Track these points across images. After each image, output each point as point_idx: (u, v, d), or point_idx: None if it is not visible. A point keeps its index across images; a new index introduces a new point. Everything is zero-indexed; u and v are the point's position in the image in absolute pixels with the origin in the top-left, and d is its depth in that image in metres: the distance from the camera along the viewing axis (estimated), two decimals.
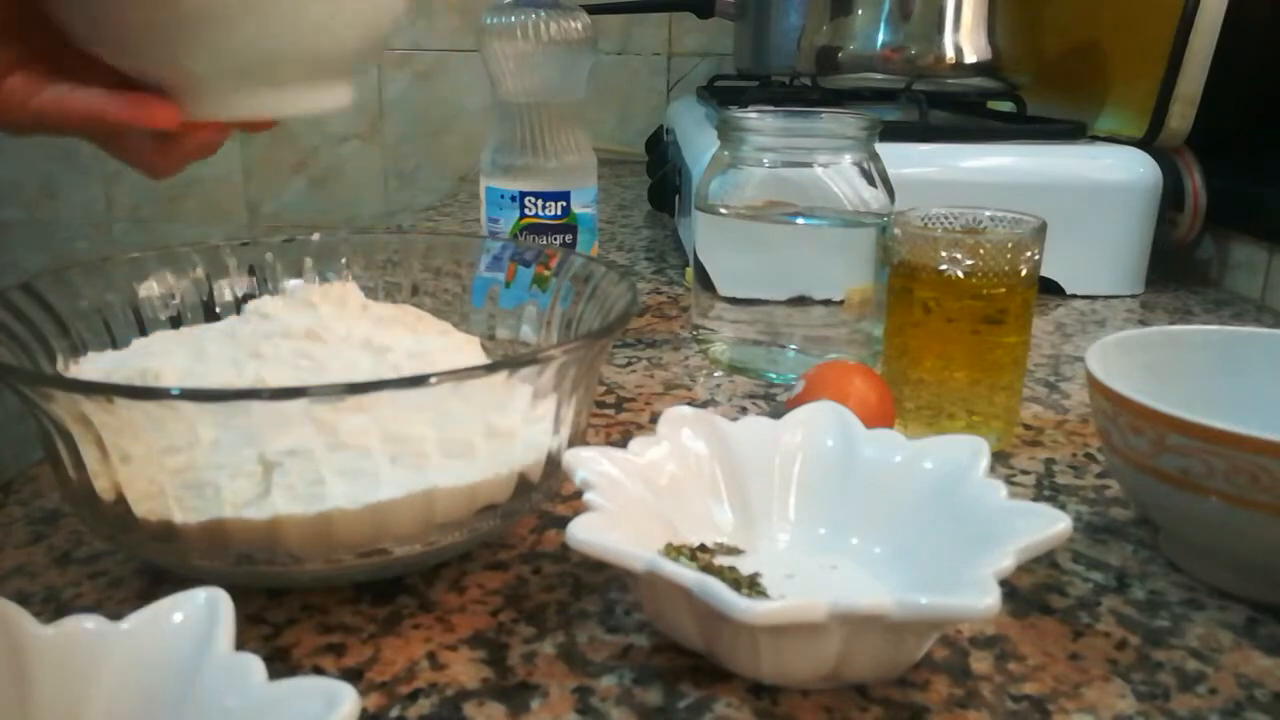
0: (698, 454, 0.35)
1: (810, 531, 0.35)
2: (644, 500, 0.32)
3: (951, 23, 0.76)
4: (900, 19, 0.77)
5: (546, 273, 0.43)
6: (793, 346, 0.53)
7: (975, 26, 0.76)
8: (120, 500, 0.30)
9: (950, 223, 0.46)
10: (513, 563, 0.35)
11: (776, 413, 0.49)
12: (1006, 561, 0.27)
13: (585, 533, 0.27)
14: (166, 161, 0.35)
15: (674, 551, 0.31)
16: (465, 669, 0.29)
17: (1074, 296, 0.71)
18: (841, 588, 0.32)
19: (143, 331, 0.40)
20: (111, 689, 0.23)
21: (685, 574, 0.26)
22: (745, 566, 0.32)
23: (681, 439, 0.35)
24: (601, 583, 0.34)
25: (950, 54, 0.76)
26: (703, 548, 0.33)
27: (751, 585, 0.31)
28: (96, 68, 0.32)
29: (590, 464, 0.32)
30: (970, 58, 0.76)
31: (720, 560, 0.32)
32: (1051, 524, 0.28)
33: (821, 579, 0.33)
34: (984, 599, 0.25)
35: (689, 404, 0.49)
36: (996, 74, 0.77)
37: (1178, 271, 0.77)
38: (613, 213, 1.00)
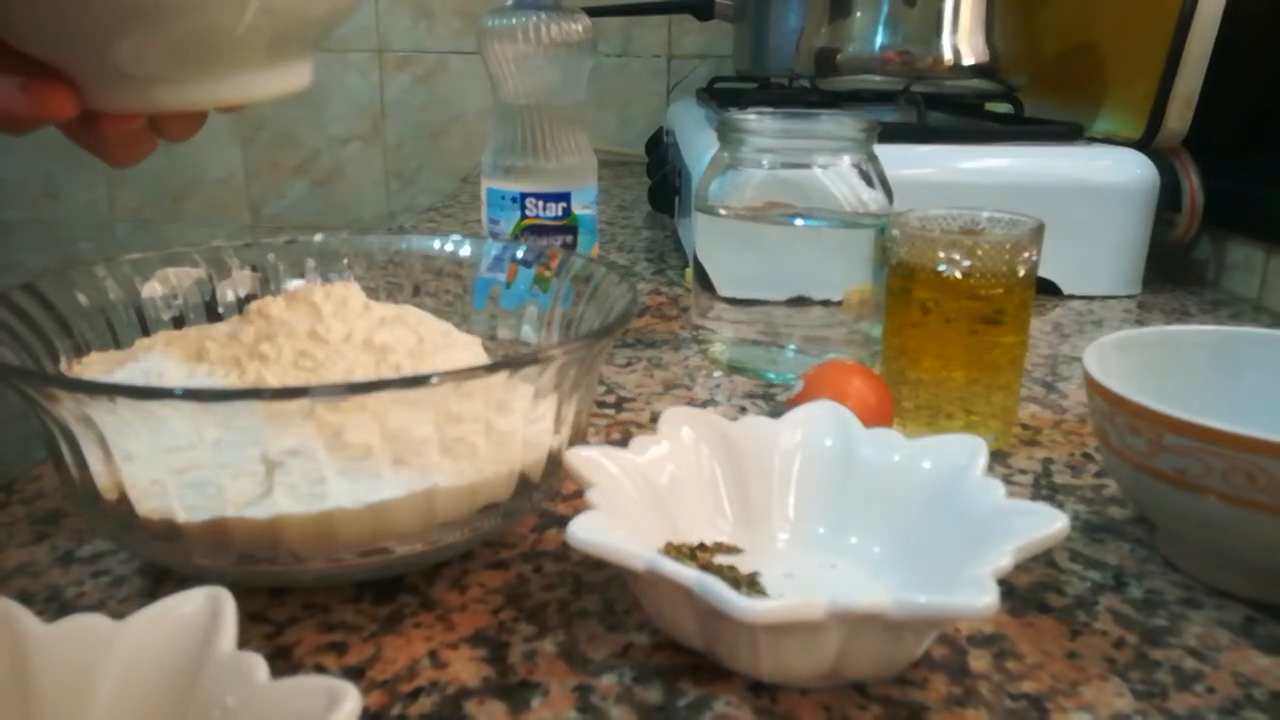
0: (698, 453, 0.35)
1: (809, 531, 0.35)
2: (644, 499, 0.32)
3: (950, 25, 0.76)
4: (899, 21, 0.77)
5: (547, 273, 0.43)
6: (792, 347, 0.53)
7: (973, 29, 0.76)
8: (123, 499, 0.30)
9: (948, 223, 0.46)
10: (513, 562, 0.35)
11: (776, 413, 0.49)
12: (1004, 560, 0.27)
13: (585, 531, 0.28)
14: (111, 150, 0.31)
15: (674, 550, 0.31)
16: (466, 667, 0.29)
17: (1071, 297, 0.71)
18: (840, 587, 0.32)
19: (145, 332, 0.40)
20: (114, 688, 0.23)
21: (685, 572, 0.26)
22: (745, 565, 0.32)
23: (681, 438, 0.35)
24: (602, 581, 0.34)
25: (949, 56, 0.76)
26: (702, 547, 0.33)
27: (751, 584, 0.31)
28: None
29: (590, 463, 0.32)
30: (968, 60, 0.76)
31: (720, 559, 0.32)
32: (1049, 523, 0.28)
33: (821, 578, 0.33)
34: (982, 598, 0.25)
35: (689, 404, 0.49)
36: (995, 76, 0.78)
37: (1175, 272, 0.77)
38: (613, 214, 1.00)
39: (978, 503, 0.31)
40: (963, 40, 0.76)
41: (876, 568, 0.33)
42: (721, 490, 0.35)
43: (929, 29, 0.76)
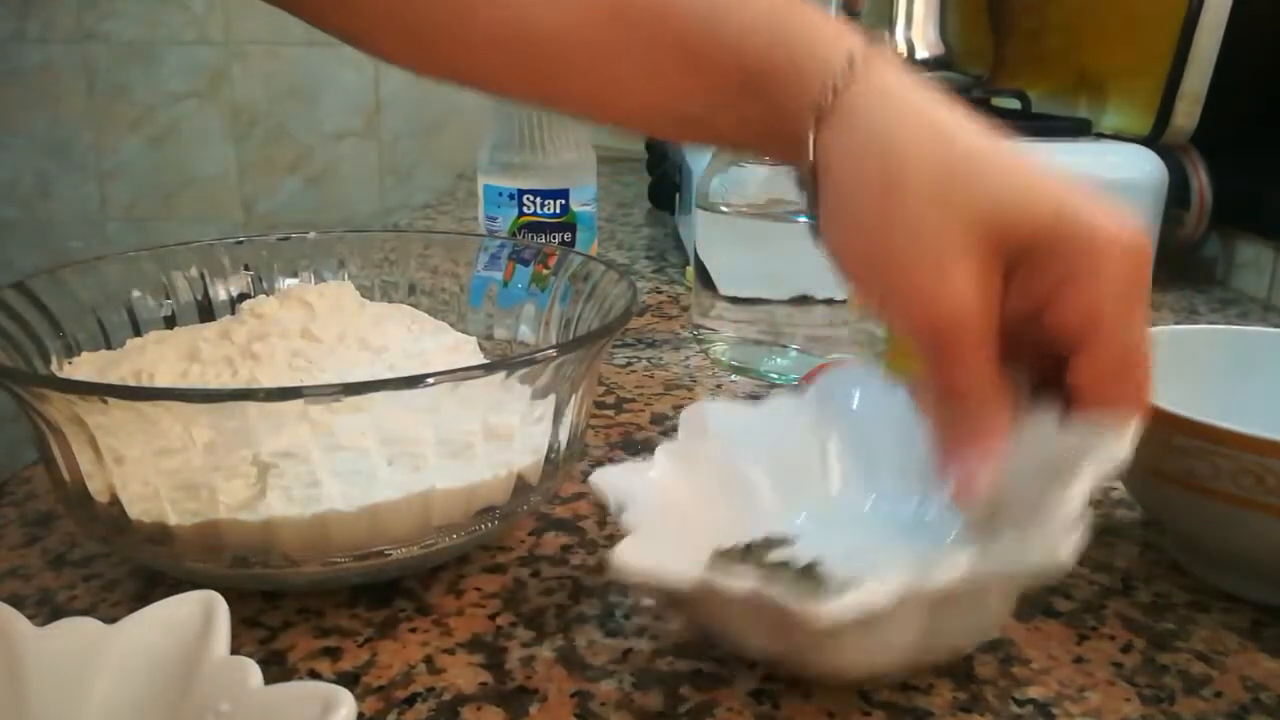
0: (725, 447, 0.33)
1: (858, 502, 0.33)
2: (680, 511, 0.31)
3: (903, 19, 0.76)
4: (848, 16, 0.77)
5: (545, 271, 0.43)
6: (795, 346, 0.53)
7: (926, 22, 0.76)
8: (114, 502, 0.30)
9: None
10: (510, 565, 0.35)
11: None
12: (1076, 502, 0.25)
13: (633, 558, 0.25)
14: None
15: (724, 558, 0.30)
16: (463, 673, 0.29)
17: None
18: (908, 559, 0.29)
19: (137, 331, 0.40)
20: (106, 692, 0.23)
21: (746, 584, 0.24)
22: (800, 555, 0.30)
23: (706, 436, 0.33)
24: (600, 586, 0.33)
25: (902, 50, 0.76)
26: (751, 547, 0.31)
27: (811, 575, 0.29)
28: None
29: (619, 484, 0.30)
30: (922, 53, 0.76)
31: (774, 555, 0.31)
32: (1110, 445, 0.26)
33: (883, 552, 0.31)
34: (1064, 545, 0.23)
35: (689, 404, 0.49)
36: (952, 68, 0.77)
37: (1183, 270, 0.77)
38: (612, 211, 1.00)
39: (1028, 434, 0.28)
40: (916, 34, 0.76)
41: (940, 531, 0.31)
42: (758, 480, 0.33)
43: (880, 22, 0.76)
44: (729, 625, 0.27)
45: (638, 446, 0.44)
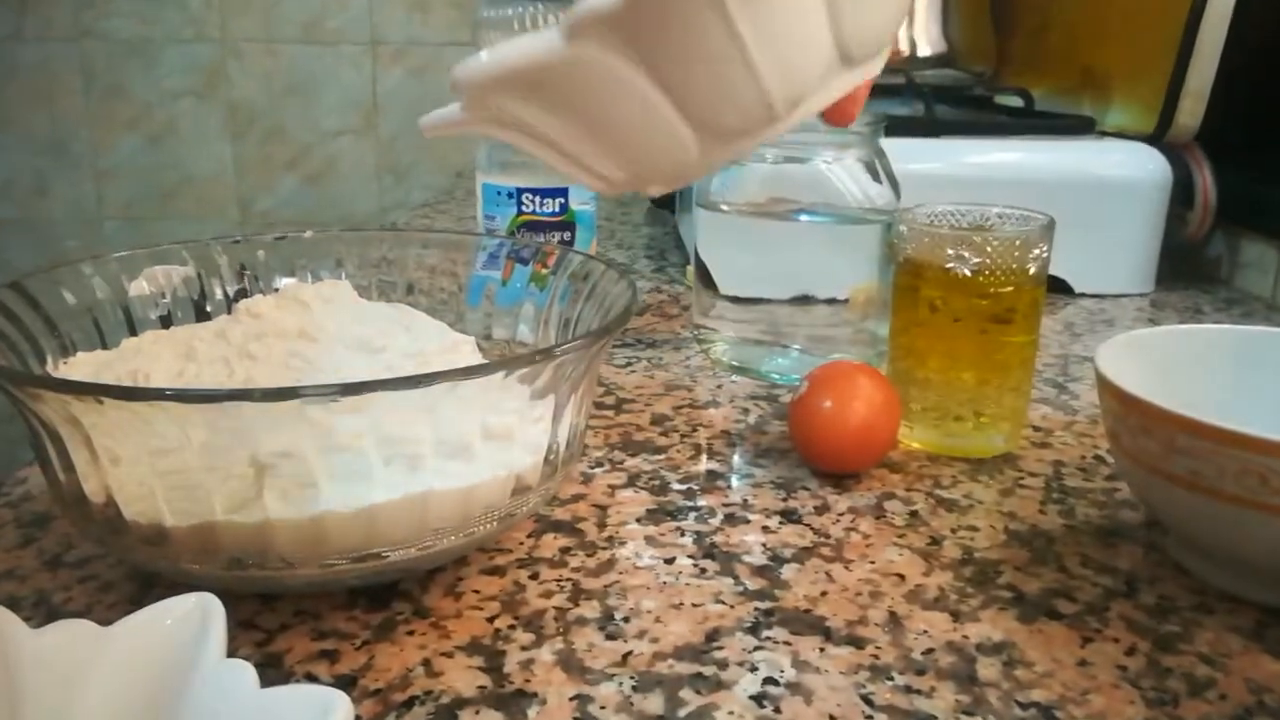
0: None
1: None
2: None
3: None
4: None
5: (544, 271, 0.42)
6: (796, 346, 0.52)
7: (929, 20, 0.76)
8: (110, 503, 0.29)
9: (957, 220, 0.45)
10: (509, 568, 0.34)
11: (780, 414, 0.48)
12: None
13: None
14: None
15: None
16: (461, 676, 0.29)
17: (1083, 295, 0.71)
18: None
19: (133, 331, 0.39)
20: (101, 695, 0.23)
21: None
22: None
23: None
24: (600, 589, 0.33)
25: (904, 48, 0.76)
26: None
27: None
28: None
29: None
30: (925, 50, 0.76)
31: None
32: None
33: None
34: None
35: (690, 407, 0.49)
36: (955, 65, 0.77)
37: (1187, 270, 0.77)
38: (612, 209, 0.99)
39: None
40: (919, 32, 0.76)
41: None
42: None
43: None
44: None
45: (638, 447, 0.44)
